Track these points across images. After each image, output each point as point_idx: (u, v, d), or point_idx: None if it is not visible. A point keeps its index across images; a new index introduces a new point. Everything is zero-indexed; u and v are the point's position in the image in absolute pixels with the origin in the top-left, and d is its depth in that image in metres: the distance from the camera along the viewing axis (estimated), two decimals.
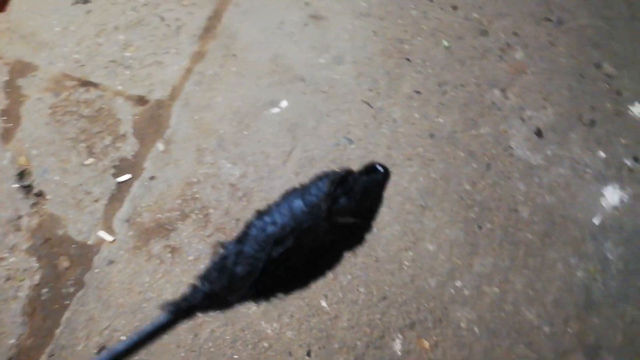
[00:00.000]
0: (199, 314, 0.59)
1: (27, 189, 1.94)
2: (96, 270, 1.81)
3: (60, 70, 2.13)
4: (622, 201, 1.94)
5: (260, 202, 1.91)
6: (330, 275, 0.64)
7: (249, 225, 0.61)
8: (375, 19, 2.26)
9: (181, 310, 0.58)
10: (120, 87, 2.10)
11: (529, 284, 1.82)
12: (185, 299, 0.58)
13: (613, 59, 2.18)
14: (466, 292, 1.81)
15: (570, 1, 2.46)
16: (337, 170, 0.63)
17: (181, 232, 1.88)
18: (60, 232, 1.88)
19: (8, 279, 1.77)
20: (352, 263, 1.83)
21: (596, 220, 1.91)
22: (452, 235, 1.89)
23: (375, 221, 0.64)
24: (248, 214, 1.89)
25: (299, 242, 0.57)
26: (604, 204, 1.94)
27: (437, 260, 1.85)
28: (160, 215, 1.91)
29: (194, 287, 0.59)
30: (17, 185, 1.94)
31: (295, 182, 1.93)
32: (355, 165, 2.04)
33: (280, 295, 0.61)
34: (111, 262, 1.83)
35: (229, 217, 1.89)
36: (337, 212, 0.59)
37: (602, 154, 2.01)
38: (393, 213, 1.92)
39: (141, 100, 2.09)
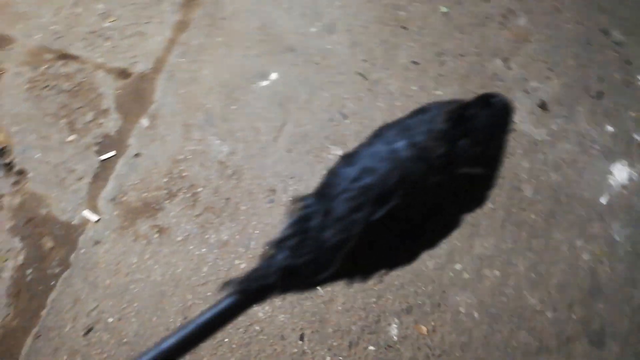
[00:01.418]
0: (275, 297, 0.43)
1: (8, 167, 1.87)
2: (82, 251, 1.76)
3: (38, 43, 2.01)
4: (631, 179, 1.85)
5: (251, 181, 1.83)
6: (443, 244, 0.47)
7: (333, 174, 0.46)
8: None
9: (251, 292, 0.42)
10: (100, 60, 1.99)
11: (532, 267, 1.76)
12: (258, 276, 0.43)
13: (622, 24, 2.05)
14: (466, 276, 1.74)
15: None
16: (447, 100, 0.46)
17: (169, 211, 1.81)
18: (43, 211, 1.81)
19: None
20: None
21: (603, 200, 1.83)
22: None
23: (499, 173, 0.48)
24: (238, 193, 1.81)
25: (407, 200, 0.42)
26: (612, 182, 1.85)
27: None
28: (146, 194, 1.83)
29: (270, 259, 0.44)
30: None
31: (288, 159, 1.85)
32: (351, 142, 1.92)
33: (383, 270, 0.46)
34: (97, 243, 1.77)
35: (219, 196, 1.81)
36: (458, 159, 0.43)
37: (610, 129, 1.92)
38: None
39: (123, 74, 1.98)
